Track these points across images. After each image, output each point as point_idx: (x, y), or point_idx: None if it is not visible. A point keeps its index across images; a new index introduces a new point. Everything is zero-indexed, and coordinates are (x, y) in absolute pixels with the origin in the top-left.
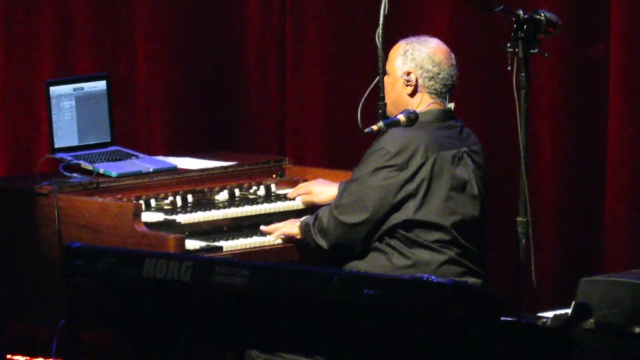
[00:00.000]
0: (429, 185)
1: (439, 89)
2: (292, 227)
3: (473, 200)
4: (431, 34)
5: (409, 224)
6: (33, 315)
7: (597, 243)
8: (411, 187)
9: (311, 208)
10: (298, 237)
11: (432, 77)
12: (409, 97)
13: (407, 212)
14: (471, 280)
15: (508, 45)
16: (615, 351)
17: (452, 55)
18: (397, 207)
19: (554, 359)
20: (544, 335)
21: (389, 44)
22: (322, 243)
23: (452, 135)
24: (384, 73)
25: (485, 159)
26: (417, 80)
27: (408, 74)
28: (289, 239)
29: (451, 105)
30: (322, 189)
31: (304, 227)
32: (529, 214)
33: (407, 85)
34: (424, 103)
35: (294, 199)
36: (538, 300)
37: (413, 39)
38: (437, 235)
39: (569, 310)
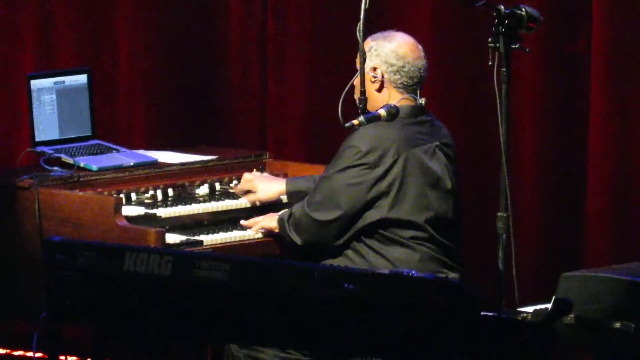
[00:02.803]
0: (401, 182)
1: (405, 83)
2: (270, 221)
3: (446, 195)
4: (412, 29)
5: (384, 223)
6: (14, 309)
7: (578, 238)
8: (383, 185)
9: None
10: (276, 231)
11: (397, 71)
12: (377, 93)
13: (381, 210)
14: (450, 275)
15: (489, 40)
16: (595, 346)
17: (420, 48)
18: (370, 205)
19: (534, 354)
20: (524, 330)
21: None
22: (296, 239)
23: (424, 130)
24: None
25: (456, 151)
26: (383, 75)
27: (374, 69)
28: (268, 233)
29: (422, 101)
30: (266, 185)
31: (280, 222)
32: (510, 209)
33: (373, 82)
34: (392, 98)
35: (240, 196)
36: (518, 295)
37: (379, 35)
38: (412, 233)
39: (549, 305)
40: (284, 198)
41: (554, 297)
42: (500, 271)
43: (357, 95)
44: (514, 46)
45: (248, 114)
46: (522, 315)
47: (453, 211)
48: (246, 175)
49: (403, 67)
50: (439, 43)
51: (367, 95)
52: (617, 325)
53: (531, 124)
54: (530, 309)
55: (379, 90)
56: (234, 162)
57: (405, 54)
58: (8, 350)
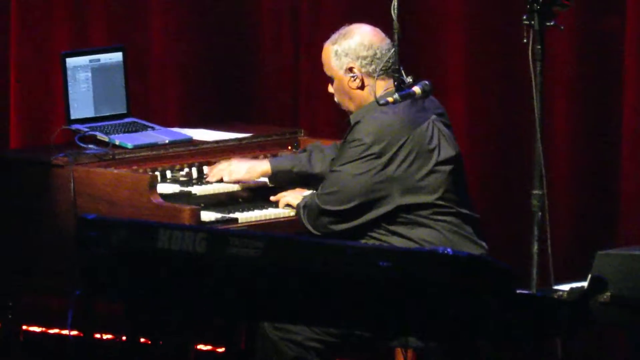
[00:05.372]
0: (408, 167)
1: (384, 68)
2: (295, 198)
3: (451, 165)
4: (445, 6)
5: (400, 209)
6: (48, 287)
7: (613, 216)
8: (389, 171)
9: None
10: None
11: (371, 61)
12: (360, 91)
13: (394, 198)
14: (475, 248)
15: (524, 17)
16: (631, 325)
17: (379, 31)
18: (382, 194)
19: (569, 332)
20: (559, 308)
21: (404, 16)
22: (313, 230)
23: (419, 107)
24: (399, 45)
25: (448, 117)
26: (360, 72)
27: (350, 70)
28: None
29: (409, 79)
30: (245, 166)
31: (297, 211)
32: (545, 187)
33: (354, 83)
34: (379, 88)
35: (212, 182)
36: (553, 273)
37: (336, 36)
38: (430, 210)
39: (585, 284)
40: (266, 179)
41: (589, 276)
42: (535, 249)
43: (337, 99)
44: (548, 23)
45: (281, 91)
46: (558, 293)
47: (462, 178)
48: (221, 165)
49: (375, 54)
50: (472, 20)
51: (353, 97)
52: None
53: (565, 100)
54: (566, 287)
55: (362, 88)
56: (269, 139)
57: (372, 41)
58: (43, 329)
